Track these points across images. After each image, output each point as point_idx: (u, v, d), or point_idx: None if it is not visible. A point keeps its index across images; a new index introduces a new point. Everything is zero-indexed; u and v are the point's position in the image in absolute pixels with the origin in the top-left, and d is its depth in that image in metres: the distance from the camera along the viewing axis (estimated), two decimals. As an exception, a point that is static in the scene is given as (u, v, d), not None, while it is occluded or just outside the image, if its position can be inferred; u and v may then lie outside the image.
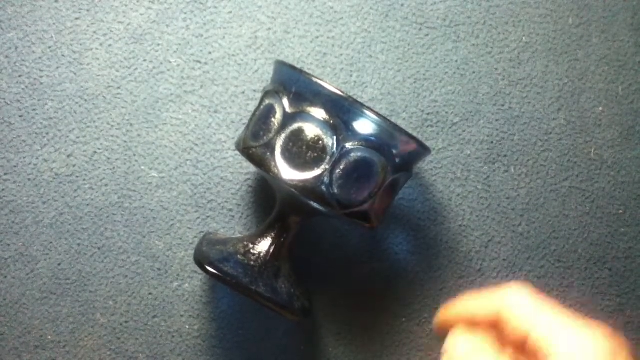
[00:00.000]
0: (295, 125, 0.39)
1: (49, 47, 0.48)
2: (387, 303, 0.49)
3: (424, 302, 0.49)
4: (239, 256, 0.42)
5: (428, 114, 0.49)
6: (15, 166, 0.47)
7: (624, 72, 0.50)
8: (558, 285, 0.49)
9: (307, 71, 0.39)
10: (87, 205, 0.48)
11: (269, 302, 0.40)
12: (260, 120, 0.41)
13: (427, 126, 0.49)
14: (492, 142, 0.49)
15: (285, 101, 0.40)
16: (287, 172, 0.39)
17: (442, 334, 0.46)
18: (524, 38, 0.50)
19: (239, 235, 0.45)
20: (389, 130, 0.39)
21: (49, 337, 0.47)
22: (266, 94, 0.42)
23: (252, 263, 0.41)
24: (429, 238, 0.49)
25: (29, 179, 0.47)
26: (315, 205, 0.39)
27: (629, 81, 0.50)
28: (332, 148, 0.38)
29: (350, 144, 0.38)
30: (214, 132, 0.48)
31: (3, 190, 0.47)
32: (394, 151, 0.40)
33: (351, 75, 0.49)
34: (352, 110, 0.38)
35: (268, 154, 0.39)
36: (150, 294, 0.48)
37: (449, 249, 0.49)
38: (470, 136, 0.49)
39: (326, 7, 0.49)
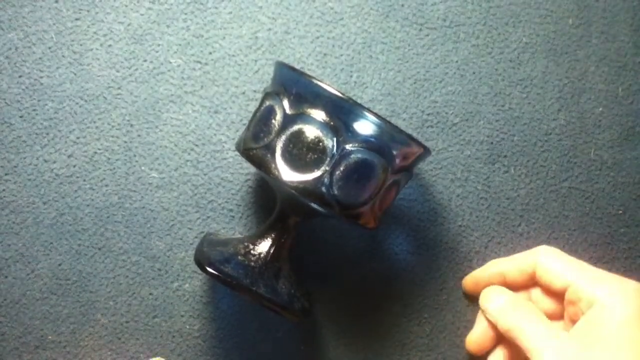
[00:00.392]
0: (296, 127, 0.39)
1: (49, 48, 0.48)
2: (387, 303, 0.49)
3: (424, 302, 0.49)
4: (239, 257, 0.42)
5: (428, 114, 0.49)
6: (15, 166, 0.47)
7: (623, 72, 0.50)
8: (558, 286, 0.49)
9: (307, 72, 0.40)
10: (88, 205, 0.48)
11: (270, 303, 0.40)
12: (261, 122, 0.41)
13: (427, 127, 0.49)
14: (492, 143, 0.49)
15: (286, 102, 0.40)
16: (287, 174, 0.39)
17: (471, 294, 0.48)
18: (524, 38, 0.50)
19: (239, 236, 0.45)
20: (389, 131, 0.39)
21: (50, 337, 0.47)
22: (266, 95, 0.42)
23: (252, 264, 0.41)
24: (428, 238, 0.49)
25: (29, 179, 0.47)
26: (315, 206, 0.39)
27: (629, 82, 0.50)
28: (332, 149, 0.38)
29: (351, 145, 0.38)
30: (214, 132, 0.48)
31: (3, 190, 0.47)
32: (394, 152, 0.40)
33: (351, 76, 0.49)
34: (353, 112, 0.38)
35: (268, 155, 0.39)
36: (150, 294, 0.48)
37: (449, 249, 0.49)
38: (470, 137, 0.49)
39: (326, 7, 0.49)
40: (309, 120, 0.39)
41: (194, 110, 0.48)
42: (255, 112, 0.42)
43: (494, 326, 0.46)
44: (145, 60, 0.48)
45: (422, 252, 0.49)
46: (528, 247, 0.48)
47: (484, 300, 0.46)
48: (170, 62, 0.48)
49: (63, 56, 0.48)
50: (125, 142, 0.48)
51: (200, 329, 0.48)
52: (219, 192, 0.48)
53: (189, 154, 0.48)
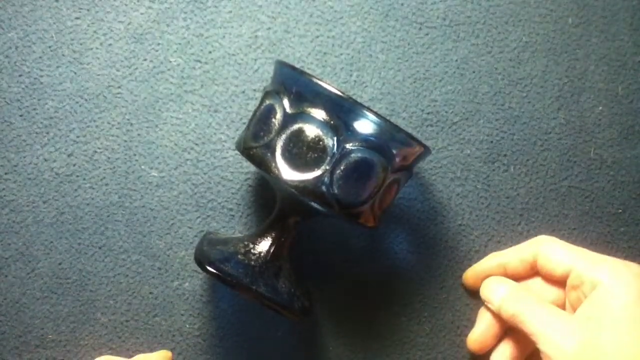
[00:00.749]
0: (296, 126, 0.39)
1: (49, 47, 0.48)
2: (387, 302, 0.49)
3: (424, 301, 0.49)
4: (239, 256, 0.42)
5: (428, 113, 0.49)
6: (15, 165, 0.47)
7: (623, 71, 0.50)
8: (557, 285, 0.49)
9: (307, 71, 0.40)
10: (88, 204, 0.48)
11: (270, 302, 0.40)
12: (261, 121, 0.41)
13: (427, 126, 0.49)
14: (491, 142, 0.50)
15: (286, 101, 0.40)
16: (288, 173, 0.39)
17: (472, 289, 0.48)
18: (523, 37, 0.50)
19: (239, 235, 0.46)
20: (389, 130, 0.39)
21: (50, 336, 0.47)
22: (266, 94, 0.42)
23: (252, 263, 0.41)
24: (428, 237, 0.49)
25: (29, 179, 0.47)
26: (315, 205, 0.40)
27: (629, 81, 0.50)
28: (333, 148, 0.38)
29: (351, 144, 0.38)
30: (214, 131, 0.48)
31: (3, 189, 0.47)
32: (394, 151, 0.40)
33: (351, 75, 0.49)
34: (353, 111, 0.38)
35: (268, 154, 0.39)
36: (150, 293, 0.48)
37: (449, 248, 0.49)
38: (470, 136, 0.49)
39: (326, 6, 0.49)
40: (309, 119, 0.39)
41: (194, 109, 0.48)
42: (255, 111, 0.42)
43: (496, 323, 0.46)
44: (145, 59, 0.48)
45: (421, 251, 0.49)
46: (528, 246, 0.48)
47: (486, 290, 0.46)
48: (170, 61, 0.48)
49: (63, 55, 0.48)
50: (125, 141, 0.48)
51: (200, 328, 0.48)
52: (219, 191, 0.48)
53: (189, 153, 0.48)
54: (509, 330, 0.46)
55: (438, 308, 0.49)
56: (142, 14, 0.48)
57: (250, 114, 0.48)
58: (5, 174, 0.47)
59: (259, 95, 0.48)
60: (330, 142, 0.38)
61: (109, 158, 0.48)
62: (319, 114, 0.38)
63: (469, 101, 0.50)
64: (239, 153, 0.47)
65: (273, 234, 0.43)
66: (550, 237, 0.46)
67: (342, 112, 0.38)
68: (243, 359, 0.48)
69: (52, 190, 0.47)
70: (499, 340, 0.47)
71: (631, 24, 0.50)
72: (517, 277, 0.47)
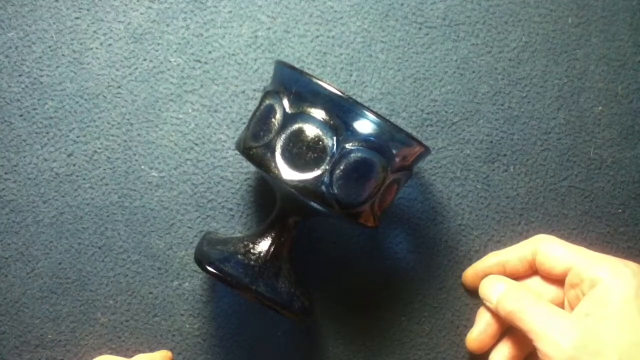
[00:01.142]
0: (296, 126, 0.39)
1: (49, 47, 0.48)
2: (387, 302, 0.49)
3: (424, 301, 0.49)
4: (239, 256, 0.42)
5: (428, 113, 0.49)
6: (15, 165, 0.47)
7: (623, 71, 0.50)
8: (557, 284, 0.49)
9: (307, 71, 0.40)
10: (87, 204, 0.48)
11: (269, 302, 0.40)
12: (261, 121, 0.41)
13: (427, 125, 0.49)
14: (491, 142, 0.50)
15: (286, 101, 0.40)
16: (287, 173, 0.39)
17: (472, 288, 0.48)
18: (523, 37, 0.50)
19: (239, 235, 0.46)
20: (389, 130, 0.39)
21: (50, 336, 0.47)
22: (266, 94, 0.42)
23: (252, 263, 0.41)
24: (428, 237, 0.49)
25: (29, 178, 0.47)
26: (315, 205, 0.40)
27: (628, 81, 0.50)
28: (332, 148, 0.38)
29: (350, 144, 0.38)
30: (214, 131, 0.48)
31: (3, 189, 0.47)
32: (394, 151, 0.40)
33: (351, 75, 0.49)
34: (352, 111, 0.38)
35: (268, 154, 0.39)
36: (150, 293, 0.48)
37: (449, 248, 0.49)
38: (470, 135, 0.49)
39: (326, 6, 0.49)
40: (309, 119, 0.39)
41: (194, 109, 0.48)
42: (255, 111, 0.42)
43: (495, 322, 0.46)
44: (145, 59, 0.48)
45: (421, 251, 0.49)
46: (528, 245, 0.48)
47: (484, 288, 0.46)
48: (170, 61, 0.48)
49: (63, 55, 0.48)
50: (125, 141, 0.48)
51: (200, 328, 0.48)
52: (219, 191, 0.48)
53: (189, 152, 0.48)
54: (508, 330, 0.46)
55: (438, 308, 0.49)
56: (141, 14, 0.48)
57: (250, 114, 0.48)
58: (5, 173, 0.47)
59: (259, 95, 0.48)
60: (330, 142, 0.38)
61: (108, 158, 0.48)
62: (319, 113, 0.38)
63: (469, 101, 0.50)
64: (238, 153, 0.47)
65: (273, 234, 0.43)
66: (548, 235, 0.46)
67: (342, 112, 0.38)
68: (243, 359, 0.48)
69: (52, 190, 0.47)
70: (498, 340, 0.47)
71: (631, 24, 0.50)
72: (517, 276, 0.47)
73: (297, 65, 0.40)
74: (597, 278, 0.41)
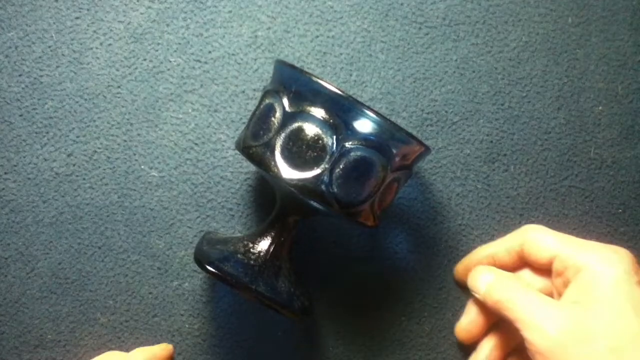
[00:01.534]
0: (295, 125, 0.39)
1: (49, 46, 0.48)
2: (387, 302, 0.49)
3: (424, 301, 0.49)
4: (239, 255, 0.42)
5: (428, 113, 0.49)
6: (15, 165, 0.47)
7: (623, 71, 0.50)
8: (557, 284, 0.49)
9: (307, 70, 0.39)
10: (87, 204, 0.48)
11: (269, 301, 0.40)
12: (260, 120, 0.41)
13: (427, 125, 0.49)
14: (491, 141, 0.49)
15: (285, 100, 0.40)
16: (287, 172, 0.39)
17: (462, 281, 0.48)
18: (523, 37, 0.50)
19: (239, 235, 0.45)
20: (389, 129, 0.39)
21: (49, 336, 0.47)
22: (266, 93, 0.42)
23: (252, 262, 0.41)
24: (428, 237, 0.49)
25: (29, 178, 0.47)
26: (314, 204, 0.39)
27: (629, 80, 0.50)
28: (332, 147, 0.38)
29: (350, 143, 0.38)
30: (214, 131, 0.48)
31: (3, 189, 0.47)
32: (394, 150, 0.40)
33: (351, 75, 0.49)
34: (352, 110, 0.38)
35: (268, 153, 0.39)
36: (150, 293, 0.48)
37: (449, 248, 0.49)
38: (470, 135, 0.49)
39: (326, 6, 0.49)
40: (309, 118, 0.39)
41: (194, 109, 0.48)
42: (255, 110, 0.42)
43: (483, 313, 0.46)
44: (145, 59, 0.48)
45: (422, 251, 0.49)
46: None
47: (472, 279, 0.46)
48: (170, 61, 0.48)
49: (63, 55, 0.48)
50: (125, 140, 0.48)
51: (200, 328, 0.48)
52: (219, 190, 0.48)
53: (189, 152, 0.48)
54: (498, 322, 0.46)
55: (438, 308, 0.49)
56: (141, 13, 0.48)
57: (250, 113, 0.48)
58: (5, 173, 0.47)
59: (258, 95, 0.48)
60: (330, 140, 0.38)
61: (108, 158, 0.48)
62: (319, 112, 0.38)
63: (469, 101, 0.50)
64: (238, 153, 0.47)
65: (273, 233, 0.43)
66: (537, 225, 0.46)
67: (342, 110, 0.38)
68: (243, 359, 0.48)
69: (51, 190, 0.47)
70: (486, 330, 0.47)
71: (631, 24, 0.50)
72: (507, 268, 0.46)
73: (297, 65, 0.40)
74: (582, 265, 0.40)
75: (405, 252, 0.49)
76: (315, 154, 0.38)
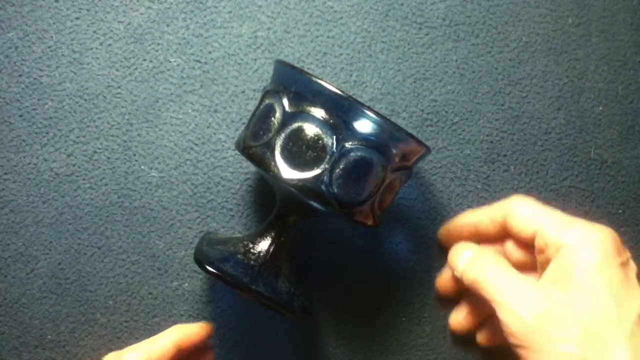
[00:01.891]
0: (295, 125, 0.39)
1: (49, 47, 0.48)
2: (387, 302, 0.49)
3: (424, 302, 0.49)
4: (238, 255, 0.42)
5: (428, 113, 0.49)
6: (15, 166, 0.47)
7: (623, 71, 0.50)
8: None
9: (307, 70, 0.39)
10: (87, 204, 0.48)
11: (269, 302, 0.40)
12: (260, 120, 0.41)
13: (427, 125, 0.49)
14: (491, 142, 0.49)
15: (285, 101, 0.40)
16: (287, 172, 0.39)
17: (444, 246, 0.48)
18: (523, 37, 0.50)
19: (239, 235, 0.45)
20: (389, 129, 0.39)
21: (49, 336, 0.47)
22: (266, 93, 0.42)
23: (252, 262, 0.41)
24: (428, 237, 0.49)
25: (28, 179, 0.47)
26: (314, 204, 0.39)
27: (629, 81, 0.50)
28: (332, 147, 0.38)
29: (350, 143, 0.38)
30: (214, 131, 0.48)
31: (3, 189, 0.47)
32: (394, 150, 0.40)
33: (351, 75, 0.49)
34: (352, 110, 0.38)
35: (268, 153, 0.39)
36: (150, 293, 0.48)
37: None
38: (470, 135, 0.49)
39: (326, 6, 0.49)
40: (309, 118, 0.39)
41: (194, 110, 0.48)
42: (255, 110, 0.42)
43: (455, 285, 0.46)
44: (144, 60, 0.48)
45: (422, 251, 0.49)
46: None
47: (452, 257, 0.45)
48: (170, 61, 0.48)
49: (63, 55, 0.48)
50: (125, 141, 0.48)
51: (199, 328, 0.48)
52: (219, 191, 0.48)
53: (189, 153, 0.48)
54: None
55: (438, 309, 0.49)
56: (141, 14, 0.48)
57: (250, 114, 0.48)
58: (5, 174, 0.47)
59: (258, 95, 0.48)
60: (330, 140, 0.38)
61: (108, 158, 0.48)
62: (319, 112, 0.38)
63: (469, 101, 0.50)
64: (238, 153, 0.47)
65: (273, 234, 0.43)
66: (523, 197, 0.44)
67: (342, 111, 0.38)
68: (243, 359, 0.48)
69: (51, 191, 0.47)
70: (459, 292, 0.47)
71: (631, 24, 0.50)
72: (489, 238, 0.45)
73: (297, 66, 0.40)
74: (562, 244, 0.39)
75: (405, 252, 0.49)
76: (315, 154, 0.38)
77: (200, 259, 0.41)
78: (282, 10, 0.49)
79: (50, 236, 0.47)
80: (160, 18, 0.48)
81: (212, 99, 0.48)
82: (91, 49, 0.48)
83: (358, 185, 0.39)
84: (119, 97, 0.48)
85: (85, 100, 0.48)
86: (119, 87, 0.48)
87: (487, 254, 0.43)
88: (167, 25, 0.48)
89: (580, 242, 0.39)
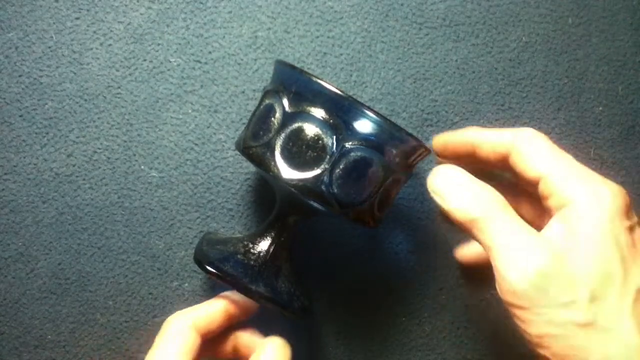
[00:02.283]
0: (295, 125, 0.39)
1: (49, 47, 0.48)
2: (387, 302, 0.49)
3: (424, 302, 0.49)
4: (239, 256, 0.42)
5: (428, 113, 0.49)
6: (15, 166, 0.47)
7: (623, 71, 0.50)
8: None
9: (307, 71, 0.40)
10: (87, 204, 0.48)
11: (269, 302, 0.40)
12: (260, 120, 0.41)
13: (427, 126, 0.49)
14: (491, 142, 0.49)
15: (285, 101, 0.40)
16: (287, 172, 0.39)
17: (437, 151, 0.44)
18: (523, 38, 0.50)
19: (239, 235, 0.46)
20: (389, 129, 0.39)
21: (49, 336, 0.47)
22: (266, 93, 0.42)
23: (252, 262, 0.41)
24: (428, 237, 0.49)
25: (28, 179, 0.47)
26: (314, 204, 0.39)
27: (629, 81, 0.50)
28: (332, 147, 0.38)
29: (350, 143, 0.38)
30: (214, 131, 0.48)
31: (3, 189, 0.47)
32: (394, 151, 0.40)
33: (351, 75, 0.49)
34: (352, 110, 0.38)
35: (268, 153, 0.39)
36: (150, 293, 0.48)
37: (449, 249, 0.49)
38: (470, 136, 0.49)
39: (326, 6, 0.49)
40: (309, 118, 0.39)
41: (194, 110, 0.48)
42: (255, 110, 0.42)
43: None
44: (145, 60, 0.48)
45: (422, 251, 0.49)
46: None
47: (436, 180, 0.39)
48: (170, 62, 0.48)
49: (63, 55, 0.48)
50: (125, 141, 0.48)
51: (199, 329, 0.48)
52: (219, 191, 0.48)
53: (189, 153, 0.48)
54: None
55: (438, 309, 0.49)
56: (141, 14, 0.48)
57: (250, 114, 0.48)
58: (5, 174, 0.47)
59: (258, 95, 0.48)
60: (330, 141, 0.38)
61: (108, 158, 0.48)
62: (319, 112, 0.38)
63: (469, 101, 0.50)
64: (238, 153, 0.47)
65: (272, 234, 0.43)
66: (535, 132, 0.39)
67: (342, 111, 0.38)
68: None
69: (51, 191, 0.47)
70: None
71: (631, 24, 0.50)
72: (486, 163, 0.41)
73: (297, 66, 0.40)
74: (570, 197, 0.36)
75: (405, 252, 0.49)
76: (315, 154, 0.38)
77: (200, 259, 0.41)
78: (282, 10, 0.49)
79: (50, 236, 0.47)
80: (160, 18, 0.48)
81: (212, 99, 0.48)
82: (91, 49, 0.48)
83: (358, 185, 0.39)
84: (119, 97, 0.48)
85: (86, 100, 0.48)
86: (119, 88, 0.48)
87: (486, 189, 0.38)
88: (167, 26, 0.48)
89: (589, 199, 0.35)
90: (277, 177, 0.39)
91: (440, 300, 0.49)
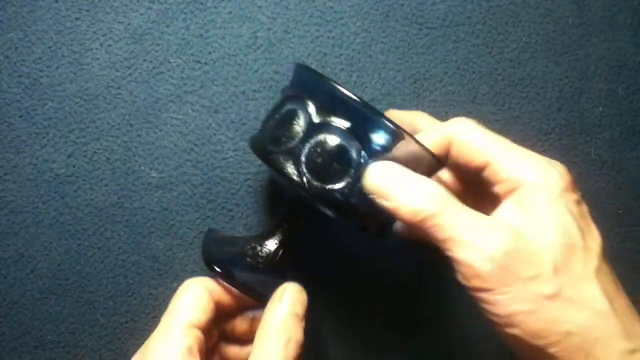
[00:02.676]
0: (321, 136, 0.38)
1: (49, 47, 0.48)
2: (387, 302, 0.49)
3: (424, 302, 0.49)
4: (247, 259, 0.42)
5: (428, 114, 0.49)
6: (15, 166, 0.47)
7: (624, 72, 0.50)
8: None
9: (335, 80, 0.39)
10: (87, 205, 0.48)
11: None
12: (281, 125, 0.40)
13: (427, 126, 0.49)
14: (492, 142, 0.49)
15: (312, 109, 0.39)
16: (312, 183, 0.38)
17: None
18: (523, 38, 0.50)
19: (246, 235, 0.45)
20: (418, 145, 0.38)
21: (49, 337, 0.47)
22: (287, 98, 0.41)
23: (260, 265, 0.41)
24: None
25: (28, 179, 0.47)
26: (334, 215, 0.39)
27: (629, 81, 0.50)
28: (357, 160, 0.38)
29: (375, 157, 0.38)
30: (214, 132, 0.48)
31: (3, 190, 0.47)
32: (415, 165, 0.39)
33: (351, 76, 0.49)
34: (378, 124, 0.37)
35: (291, 161, 0.38)
36: (150, 294, 0.48)
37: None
38: (470, 136, 0.49)
39: (326, 7, 0.49)
40: (335, 129, 0.38)
41: (194, 110, 0.48)
42: (274, 113, 0.41)
43: None
44: (144, 60, 0.48)
45: (421, 251, 0.49)
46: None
47: (380, 179, 0.38)
48: (170, 62, 0.48)
49: (63, 56, 0.48)
50: (125, 141, 0.48)
51: (200, 329, 0.48)
52: (219, 191, 0.48)
53: (189, 153, 0.48)
54: None
55: (438, 309, 0.49)
56: (141, 14, 0.48)
57: (250, 114, 0.48)
58: (5, 174, 0.47)
59: (258, 95, 0.48)
60: (355, 153, 0.38)
61: (108, 159, 0.48)
62: (345, 124, 0.38)
63: (469, 102, 0.50)
64: (239, 153, 0.47)
65: (280, 236, 0.42)
66: (468, 120, 0.40)
67: (368, 124, 0.37)
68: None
69: (51, 191, 0.47)
70: None
71: (631, 24, 0.50)
72: None
73: (321, 73, 0.40)
74: (519, 179, 0.36)
75: (405, 252, 0.49)
76: (340, 166, 0.38)
77: (209, 260, 0.41)
78: (282, 10, 0.49)
79: (50, 237, 0.47)
80: (160, 18, 0.48)
81: (212, 100, 0.48)
82: (91, 49, 0.48)
83: None
84: (119, 98, 0.48)
85: (85, 100, 0.48)
86: (119, 88, 0.48)
87: (430, 182, 0.37)
88: (167, 26, 0.48)
89: (538, 179, 0.36)
90: (302, 187, 0.38)
91: (440, 301, 0.49)
